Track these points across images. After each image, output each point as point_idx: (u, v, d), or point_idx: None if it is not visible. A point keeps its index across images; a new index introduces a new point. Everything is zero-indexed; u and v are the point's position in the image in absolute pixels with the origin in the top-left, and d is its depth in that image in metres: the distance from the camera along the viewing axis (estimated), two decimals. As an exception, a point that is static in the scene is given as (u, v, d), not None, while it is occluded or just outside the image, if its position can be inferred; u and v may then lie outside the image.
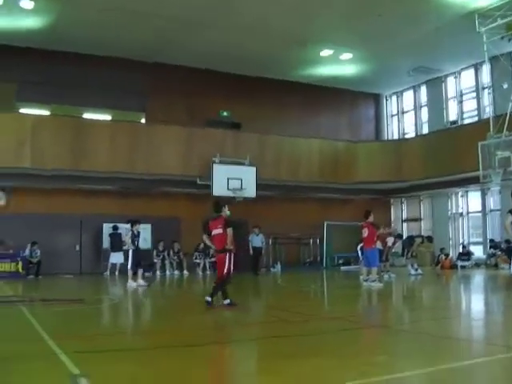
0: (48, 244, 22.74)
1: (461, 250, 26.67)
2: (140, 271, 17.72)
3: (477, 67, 26.90)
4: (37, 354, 6.69)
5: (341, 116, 31.17)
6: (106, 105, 25.48)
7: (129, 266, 17.68)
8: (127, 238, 17.83)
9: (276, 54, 25.12)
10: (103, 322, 10.70)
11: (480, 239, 27.47)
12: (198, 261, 24.97)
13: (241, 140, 25.59)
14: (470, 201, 28.02)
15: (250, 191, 24.34)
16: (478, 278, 21.60)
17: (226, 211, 11.49)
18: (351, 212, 28.17)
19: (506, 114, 20.54)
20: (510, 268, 12.05)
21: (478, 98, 27.21)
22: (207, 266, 24.97)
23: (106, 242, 23.58)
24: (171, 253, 24.76)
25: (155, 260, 24.38)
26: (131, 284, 17.28)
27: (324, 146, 27.23)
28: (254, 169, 24.39)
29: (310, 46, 24.54)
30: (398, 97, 32.34)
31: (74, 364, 5.98)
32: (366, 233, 17.00)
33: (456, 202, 28.48)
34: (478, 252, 26.79)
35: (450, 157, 23.79)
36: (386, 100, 32.85)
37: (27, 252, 22.36)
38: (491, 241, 25.54)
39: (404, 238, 24.25)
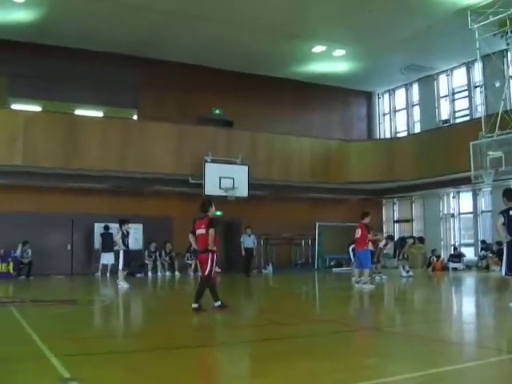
0: (39, 244, 22.63)
1: (452, 252, 26.70)
2: (124, 272, 17.74)
3: (469, 65, 26.91)
4: (26, 357, 6.64)
5: (333, 114, 31.13)
6: (97, 101, 25.33)
7: (120, 266, 17.64)
8: (117, 239, 17.77)
9: (268, 50, 25.07)
10: (94, 323, 10.65)
11: (471, 240, 27.48)
12: (189, 261, 24.83)
13: (233, 138, 25.52)
14: (462, 202, 28.04)
15: (242, 190, 24.27)
16: (470, 280, 21.62)
17: (213, 211, 11.38)
18: (343, 212, 28.24)
19: (498, 113, 20.54)
20: (501, 270, 12.02)
21: (470, 97, 27.21)
22: (198, 267, 24.84)
23: (98, 242, 23.46)
24: (163, 253, 24.68)
25: (147, 261, 24.31)
26: (123, 284, 17.24)
27: (316, 145, 27.18)
28: (246, 168, 24.31)
29: (303, 42, 24.50)
30: (390, 95, 32.32)
31: (65, 367, 5.94)
32: (358, 233, 16.97)
33: (447, 203, 28.50)
34: (469, 254, 26.79)
35: (442, 156, 23.78)
36: (379, 98, 32.83)
37: (18, 252, 22.24)
38: (483, 242, 25.54)
39: (395, 239, 24.24)
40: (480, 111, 23.96)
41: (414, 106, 30.78)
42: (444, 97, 28.82)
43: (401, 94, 31.71)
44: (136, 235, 24.11)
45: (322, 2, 20.68)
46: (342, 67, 27.71)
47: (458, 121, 27.52)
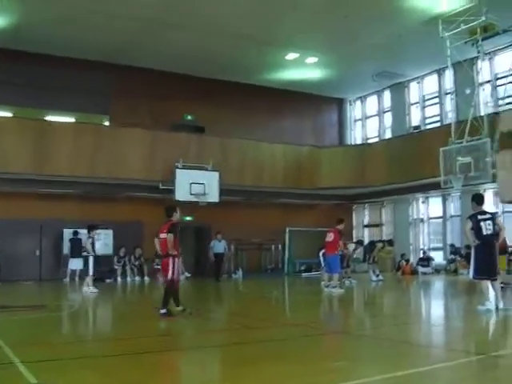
0: (7, 249, 22.27)
1: (421, 256, 26.92)
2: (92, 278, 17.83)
3: (440, 73, 27.17)
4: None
5: (305, 121, 31.22)
6: (69, 107, 25.07)
7: (90, 272, 17.62)
8: (88, 244, 17.69)
9: (241, 57, 25.07)
10: (63, 329, 10.57)
11: (440, 245, 27.70)
12: (158, 266, 24.58)
13: (204, 144, 25.45)
14: (431, 206, 28.26)
15: (213, 196, 24.23)
16: (438, 283, 21.81)
17: (177, 216, 11.35)
18: (313, 218, 28.33)
19: (468, 119, 20.75)
20: (468, 273, 12.17)
21: (441, 104, 27.49)
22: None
23: (67, 248, 23.20)
24: (132, 258, 24.53)
25: (116, 266, 24.13)
26: (93, 290, 17.21)
27: (288, 151, 27.26)
28: (217, 174, 24.27)
29: (276, 50, 24.57)
30: (361, 102, 32.52)
31: (33, 373, 5.88)
32: (331, 237, 17.06)
33: (417, 208, 28.71)
34: (438, 258, 27.00)
35: (413, 162, 23.96)
36: (350, 105, 32.99)
37: (-15, 258, 22.00)
38: (451, 246, 25.75)
39: (365, 243, 24.37)
40: (450, 118, 24.18)
41: (385, 112, 30.95)
42: (415, 103, 29.07)
43: (372, 100, 31.89)
44: (106, 240, 24.02)
45: (294, 10, 20.71)
46: (315, 74, 27.81)
47: (428, 127, 27.74)
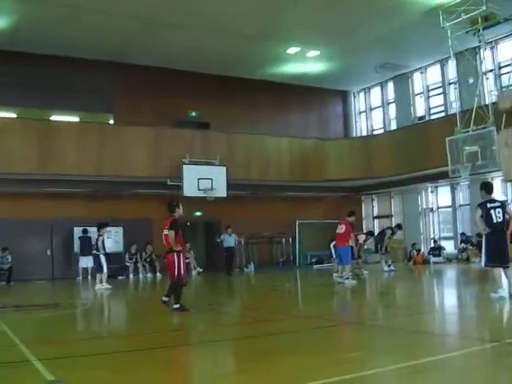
0: (19, 250, 22.46)
1: (432, 245, 26.87)
2: (99, 275, 18.14)
3: (442, 63, 27.13)
4: (9, 362, 6.56)
5: (309, 114, 31.23)
6: (73, 106, 25.18)
7: (104, 269, 17.84)
8: (99, 243, 17.81)
9: (243, 52, 25.09)
10: (77, 326, 10.60)
11: (451, 234, 27.68)
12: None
13: (210, 139, 25.54)
14: (440, 196, 28.23)
15: (221, 191, 24.28)
16: (450, 272, 21.75)
17: (180, 211, 11.31)
18: (322, 210, 28.41)
19: (473, 108, 20.72)
20: (480, 261, 12.15)
21: (445, 94, 27.45)
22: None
23: (77, 246, 23.33)
24: (143, 255, 24.60)
25: (127, 263, 24.22)
26: (106, 286, 17.44)
27: (293, 145, 27.32)
28: (224, 168, 24.34)
29: (277, 44, 24.55)
30: (365, 93, 32.48)
31: (49, 370, 5.91)
32: (342, 229, 17.04)
33: (426, 198, 28.67)
34: (448, 247, 26.97)
35: (419, 152, 23.95)
36: (354, 97, 32.98)
37: (-2, 258, 22.14)
38: (462, 235, 25.71)
39: (375, 234, 24.31)
40: (455, 107, 24.16)
41: (389, 103, 30.95)
42: (419, 94, 29.01)
43: (376, 92, 31.86)
44: (116, 238, 24.10)
45: (295, 4, 20.72)
46: (317, 67, 27.79)
47: (433, 117, 27.71)
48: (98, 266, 18.20)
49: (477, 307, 10.98)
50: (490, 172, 21.46)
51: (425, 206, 28.67)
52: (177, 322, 10.26)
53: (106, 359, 6.80)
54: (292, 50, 25.45)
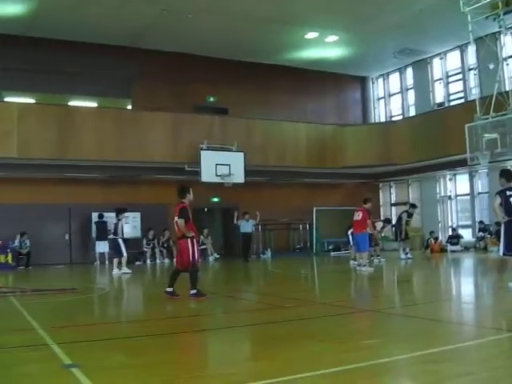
0: (37, 234, 22.71)
1: (450, 233, 26.71)
2: (116, 260, 18.35)
3: (462, 48, 26.88)
4: (28, 345, 6.60)
5: (327, 100, 31.14)
6: (91, 92, 25.35)
7: (124, 253, 17.95)
8: (119, 228, 17.93)
9: (261, 38, 25.05)
10: (95, 311, 10.67)
11: (469, 222, 27.51)
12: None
13: (228, 125, 25.57)
14: (458, 184, 28.05)
15: (239, 177, 24.31)
16: (468, 261, 21.62)
17: (190, 197, 11.22)
18: (340, 197, 28.38)
19: (492, 95, 20.50)
20: (498, 250, 12.05)
21: (464, 80, 27.22)
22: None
23: (94, 231, 23.49)
24: (161, 241, 24.69)
25: (145, 249, 24.35)
26: (126, 270, 17.58)
27: (311, 130, 27.23)
28: (242, 154, 24.35)
29: (295, 29, 24.44)
30: (384, 79, 32.28)
31: (66, 354, 5.96)
32: (359, 216, 17.02)
33: (444, 185, 28.50)
34: (466, 235, 26.82)
35: (438, 139, 23.79)
36: (373, 83, 32.80)
37: (17, 243, 22.33)
38: (481, 223, 25.50)
39: (393, 222, 24.21)
40: (474, 94, 23.90)
41: (408, 89, 30.74)
42: (438, 80, 28.79)
43: (395, 78, 31.64)
44: (134, 223, 24.24)
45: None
46: (336, 53, 27.66)
47: (452, 104, 27.48)
48: (116, 251, 18.31)
49: (494, 296, 10.90)
50: (510, 160, 21.26)
51: (443, 194, 28.50)
52: (194, 308, 10.29)
53: (122, 343, 6.83)
54: (310, 35, 25.33)
